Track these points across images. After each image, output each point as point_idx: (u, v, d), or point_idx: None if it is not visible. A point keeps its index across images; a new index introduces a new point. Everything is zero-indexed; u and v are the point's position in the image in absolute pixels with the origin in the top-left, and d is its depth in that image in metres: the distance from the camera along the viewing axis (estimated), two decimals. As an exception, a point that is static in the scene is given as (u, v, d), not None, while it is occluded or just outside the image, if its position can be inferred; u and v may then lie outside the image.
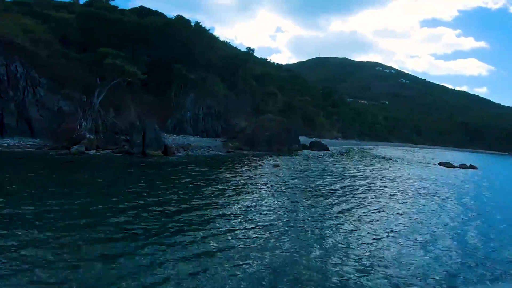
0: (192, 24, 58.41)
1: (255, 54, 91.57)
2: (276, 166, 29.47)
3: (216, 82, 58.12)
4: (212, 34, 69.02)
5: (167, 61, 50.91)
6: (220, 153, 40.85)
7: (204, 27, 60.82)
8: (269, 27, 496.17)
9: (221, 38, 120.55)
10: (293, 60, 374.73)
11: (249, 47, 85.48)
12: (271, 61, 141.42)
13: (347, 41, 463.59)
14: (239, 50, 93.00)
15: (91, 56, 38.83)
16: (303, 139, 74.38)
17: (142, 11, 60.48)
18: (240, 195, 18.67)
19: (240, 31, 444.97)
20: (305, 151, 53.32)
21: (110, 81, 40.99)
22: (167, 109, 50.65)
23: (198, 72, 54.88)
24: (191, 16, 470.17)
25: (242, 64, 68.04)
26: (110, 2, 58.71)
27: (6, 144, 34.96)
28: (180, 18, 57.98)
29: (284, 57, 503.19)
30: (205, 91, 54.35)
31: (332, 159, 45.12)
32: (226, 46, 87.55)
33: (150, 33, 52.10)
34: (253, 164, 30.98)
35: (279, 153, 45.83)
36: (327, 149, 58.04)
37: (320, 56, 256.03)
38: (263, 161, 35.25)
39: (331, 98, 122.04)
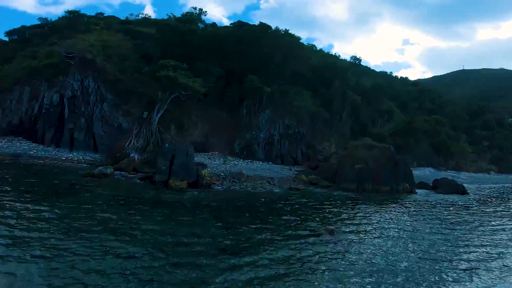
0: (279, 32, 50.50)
1: (376, 69, 75.61)
2: (329, 232, 16.35)
3: (302, 96, 47.84)
4: (301, 42, 59.55)
5: (243, 73, 44.37)
6: (277, 190, 29.95)
7: (288, 31, 51.68)
8: (394, 40, 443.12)
9: (342, 56, 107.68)
10: (427, 75, 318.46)
11: (354, 56, 71.25)
12: (395, 75, 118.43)
13: (502, 49, 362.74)
14: (340, 58, 79.42)
15: (152, 69, 35.94)
16: (427, 173, 53.95)
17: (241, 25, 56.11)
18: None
19: (360, 47, 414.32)
20: (421, 193, 35.64)
21: (169, 95, 37.18)
22: (238, 128, 43.56)
23: (277, 85, 46.24)
24: (308, 34, 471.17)
25: (339, 75, 55.20)
26: (204, 19, 57.65)
27: (64, 158, 34.72)
28: (261, 25, 51.20)
29: (416, 72, 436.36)
30: (285, 108, 44.76)
31: (468, 215, 26.24)
32: (322, 55, 75.70)
33: (225, 43, 47.30)
34: (291, 228, 18.37)
35: (373, 196, 30.93)
36: (464, 192, 37.66)
37: (465, 68, 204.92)
38: (320, 214, 22.24)
39: (480, 118, 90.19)
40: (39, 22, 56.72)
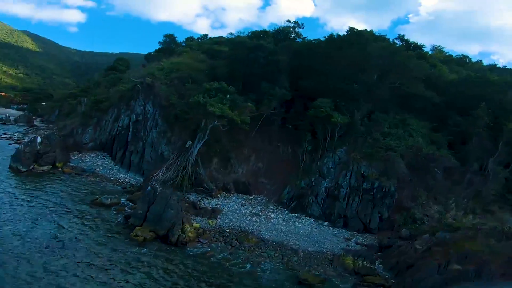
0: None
1: None
2: None
3: (407, 127, 32.50)
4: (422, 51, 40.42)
5: (318, 94, 34.09)
6: (276, 276, 19.31)
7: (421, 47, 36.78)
8: None
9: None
10: None
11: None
12: None
13: None
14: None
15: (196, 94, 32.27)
16: None
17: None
18: None
19: None
20: None
21: (208, 124, 32.38)
22: (294, 170, 33.56)
23: (366, 111, 32.98)
24: (481, 48, 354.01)
25: (492, 95, 34.19)
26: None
27: (113, 178, 36.40)
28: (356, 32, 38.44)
29: None
30: (369, 147, 30.97)
31: None
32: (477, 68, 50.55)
33: (302, 57, 37.92)
34: None
35: None
36: None
37: None
38: None
39: None
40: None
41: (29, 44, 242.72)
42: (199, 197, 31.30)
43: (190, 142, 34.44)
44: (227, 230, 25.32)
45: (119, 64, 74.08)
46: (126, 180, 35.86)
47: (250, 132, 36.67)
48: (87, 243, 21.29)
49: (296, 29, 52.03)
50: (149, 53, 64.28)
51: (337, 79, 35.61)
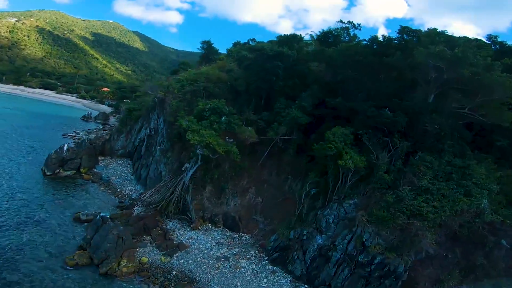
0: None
1: None
2: None
3: (471, 182, 23.23)
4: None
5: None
6: None
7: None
8: None
9: None
10: None
11: None
12: None
13: None
14: None
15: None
16: None
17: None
18: None
19: None
20: None
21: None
22: (290, 214, 27.58)
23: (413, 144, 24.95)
24: None
25: None
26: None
27: (119, 190, 37.18)
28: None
29: None
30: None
31: None
32: None
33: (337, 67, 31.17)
34: None
35: None
36: None
37: None
38: None
39: None
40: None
41: (137, 44, 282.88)
42: (178, 226, 28.59)
43: (188, 165, 31.98)
44: (173, 272, 22.12)
45: (181, 68, 77.14)
46: (130, 193, 35.76)
47: (257, 160, 32.15)
48: (26, 255, 21.47)
49: (349, 30, 43.87)
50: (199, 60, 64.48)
51: (373, 98, 27.86)
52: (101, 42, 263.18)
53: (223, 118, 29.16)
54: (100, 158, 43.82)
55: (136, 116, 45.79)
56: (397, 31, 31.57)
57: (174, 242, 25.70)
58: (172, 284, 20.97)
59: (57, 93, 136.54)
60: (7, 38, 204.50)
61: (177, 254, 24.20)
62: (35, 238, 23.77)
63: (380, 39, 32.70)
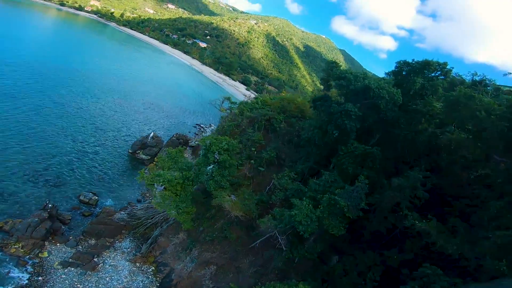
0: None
1: None
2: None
3: None
4: None
5: None
6: None
7: None
8: None
9: None
10: None
11: None
12: None
13: None
14: None
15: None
16: None
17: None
18: None
19: None
20: None
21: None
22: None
23: None
24: None
25: None
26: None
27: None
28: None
29: None
30: None
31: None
32: None
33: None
34: None
35: None
36: None
37: None
38: None
39: None
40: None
41: (340, 63, 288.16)
42: (128, 249, 26.49)
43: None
44: (40, 278, 21.40)
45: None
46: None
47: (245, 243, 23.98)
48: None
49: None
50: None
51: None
52: (309, 54, 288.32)
53: (209, 168, 23.24)
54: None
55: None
56: None
57: (95, 259, 23.84)
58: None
59: (246, 89, 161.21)
60: (244, 37, 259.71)
61: (77, 268, 22.78)
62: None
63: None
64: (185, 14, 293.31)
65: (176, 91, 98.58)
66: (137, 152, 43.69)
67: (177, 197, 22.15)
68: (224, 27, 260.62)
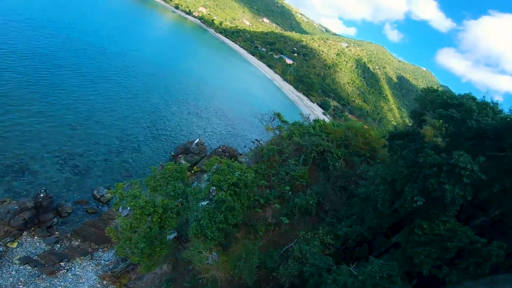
0: None
1: None
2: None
3: None
4: None
5: None
6: None
7: None
8: None
9: None
10: None
11: None
12: None
13: None
14: None
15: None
16: None
17: None
18: None
19: None
20: None
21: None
22: None
23: None
24: None
25: None
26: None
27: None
28: None
29: None
30: None
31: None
32: None
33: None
34: None
35: None
36: None
37: None
38: None
39: None
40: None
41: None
42: (107, 261, 22.78)
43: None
44: None
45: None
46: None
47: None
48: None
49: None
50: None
51: None
52: (402, 86, 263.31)
53: (202, 203, 17.52)
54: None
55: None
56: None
57: (62, 263, 20.93)
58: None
59: (323, 113, 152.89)
60: (332, 59, 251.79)
61: (34, 268, 19.89)
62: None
63: None
64: (277, 30, 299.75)
65: (247, 101, 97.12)
66: (179, 156, 41.16)
67: (134, 233, 17.26)
68: (313, 46, 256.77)
